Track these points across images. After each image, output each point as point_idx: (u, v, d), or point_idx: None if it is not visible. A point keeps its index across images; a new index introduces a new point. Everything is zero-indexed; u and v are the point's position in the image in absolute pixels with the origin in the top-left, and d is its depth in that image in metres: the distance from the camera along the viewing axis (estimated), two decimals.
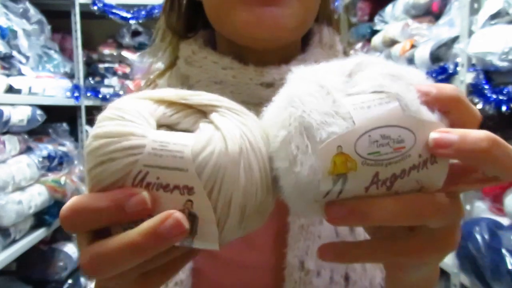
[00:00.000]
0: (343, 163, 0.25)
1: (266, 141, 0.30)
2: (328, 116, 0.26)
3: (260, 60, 0.48)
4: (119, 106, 0.30)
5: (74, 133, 2.61)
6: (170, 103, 0.31)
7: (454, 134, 0.25)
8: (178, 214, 0.26)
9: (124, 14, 2.61)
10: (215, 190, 0.27)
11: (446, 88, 0.27)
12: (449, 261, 1.45)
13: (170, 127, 0.30)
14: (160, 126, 0.30)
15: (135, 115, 0.29)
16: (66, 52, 2.73)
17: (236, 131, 0.29)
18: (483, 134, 0.25)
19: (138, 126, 0.28)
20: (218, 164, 0.27)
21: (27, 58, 2.05)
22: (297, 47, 0.53)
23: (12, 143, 1.82)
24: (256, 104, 0.48)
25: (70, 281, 2.27)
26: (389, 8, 2.08)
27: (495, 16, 1.25)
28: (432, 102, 0.27)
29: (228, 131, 0.28)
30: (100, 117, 0.30)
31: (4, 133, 1.81)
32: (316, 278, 0.48)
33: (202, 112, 0.31)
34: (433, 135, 0.26)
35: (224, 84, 0.48)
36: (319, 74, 0.29)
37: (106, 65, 2.79)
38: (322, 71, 0.29)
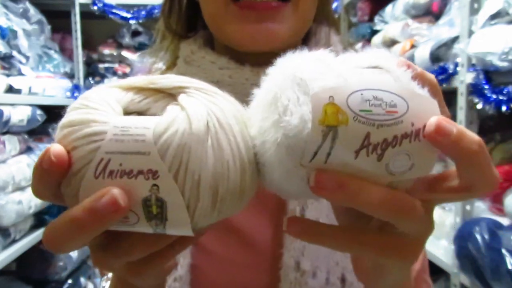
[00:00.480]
0: (334, 114, 0.25)
1: (241, 120, 0.29)
2: (321, 74, 0.26)
3: (257, 61, 0.49)
4: (85, 96, 0.29)
5: None
6: (139, 89, 0.30)
7: (454, 127, 0.26)
8: (115, 191, 0.26)
9: (124, 14, 2.61)
10: (181, 171, 0.26)
11: (427, 73, 0.28)
12: (449, 261, 1.45)
13: (140, 113, 0.30)
14: (129, 113, 0.29)
15: (99, 102, 0.28)
16: (66, 52, 2.73)
17: (202, 110, 0.28)
18: (477, 137, 0.26)
19: (101, 113, 0.28)
20: (182, 144, 0.26)
21: (27, 58, 2.05)
22: (296, 47, 0.53)
23: (12, 143, 1.82)
24: None
25: (70, 281, 2.27)
26: (389, 8, 2.08)
27: (495, 16, 1.25)
28: (419, 79, 0.27)
29: (193, 110, 0.27)
30: (68, 108, 0.30)
31: (4, 133, 1.81)
32: (312, 279, 0.48)
33: (172, 96, 0.30)
34: (436, 119, 0.26)
35: (221, 84, 0.48)
36: (313, 53, 0.29)
37: (106, 65, 2.79)
38: (316, 53, 0.29)
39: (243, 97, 0.48)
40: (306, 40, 0.54)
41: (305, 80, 0.26)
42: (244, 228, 0.51)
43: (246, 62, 0.49)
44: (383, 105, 0.25)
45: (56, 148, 0.27)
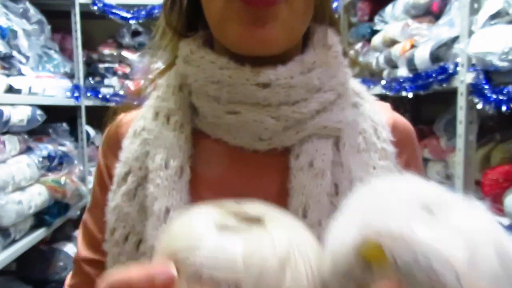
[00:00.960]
0: (375, 254, 0.27)
1: (315, 250, 0.33)
2: (389, 217, 0.28)
3: (257, 61, 0.49)
4: (186, 213, 0.36)
5: (74, 133, 2.61)
6: (229, 212, 0.35)
7: None
8: None
9: (124, 14, 2.61)
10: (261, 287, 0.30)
11: None
12: None
13: (228, 230, 0.34)
14: (221, 229, 0.34)
15: (199, 220, 0.34)
16: (66, 52, 2.73)
17: (284, 236, 0.32)
18: None
19: (200, 228, 0.33)
20: (266, 263, 0.30)
21: (27, 58, 2.05)
22: (297, 47, 0.53)
23: (12, 143, 1.82)
24: (252, 104, 0.48)
25: None
26: (389, 8, 2.08)
27: (495, 16, 1.25)
28: None
29: (277, 234, 0.32)
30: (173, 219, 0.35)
31: (4, 133, 1.80)
32: None
33: (258, 220, 0.34)
34: None
35: (221, 84, 0.49)
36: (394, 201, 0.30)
37: (106, 65, 2.79)
38: (395, 199, 0.30)
39: (244, 97, 0.48)
40: (305, 40, 0.54)
41: (365, 219, 0.28)
42: None
43: (246, 62, 0.49)
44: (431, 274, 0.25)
45: (172, 270, 0.31)
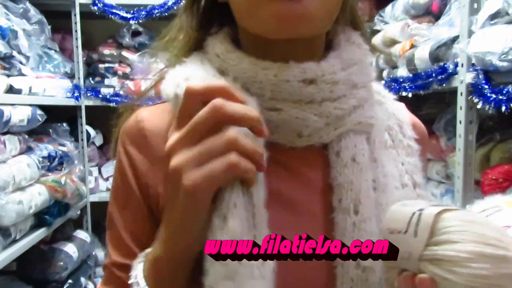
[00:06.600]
0: None
1: None
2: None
3: (287, 56, 0.48)
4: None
5: (74, 133, 2.61)
6: None
7: None
8: None
9: (124, 14, 2.61)
10: None
11: None
12: None
13: None
14: None
15: None
16: (66, 52, 2.73)
17: None
18: None
19: None
20: None
21: (27, 58, 2.05)
22: (322, 43, 0.53)
23: (12, 143, 1.82)
24: (295, 101, 0.48)
25: (70, 281, 2.28)
26: (389, 8, 2.08)
27: (494, 16, 1.25)
28: None
29: None
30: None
31: (5, 133, 1.81)
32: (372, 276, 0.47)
33: None
34: None
35: (264, 83, 0.48)
36: None
37: (106, 65, 2.79)
38: None
39: (288, 95, 0.47)
40: (328, 41, 0.54)
41: None
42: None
43: (277, 57, 0.48)
44: None
45: None
